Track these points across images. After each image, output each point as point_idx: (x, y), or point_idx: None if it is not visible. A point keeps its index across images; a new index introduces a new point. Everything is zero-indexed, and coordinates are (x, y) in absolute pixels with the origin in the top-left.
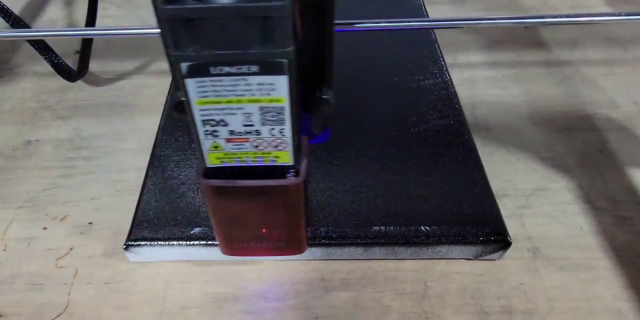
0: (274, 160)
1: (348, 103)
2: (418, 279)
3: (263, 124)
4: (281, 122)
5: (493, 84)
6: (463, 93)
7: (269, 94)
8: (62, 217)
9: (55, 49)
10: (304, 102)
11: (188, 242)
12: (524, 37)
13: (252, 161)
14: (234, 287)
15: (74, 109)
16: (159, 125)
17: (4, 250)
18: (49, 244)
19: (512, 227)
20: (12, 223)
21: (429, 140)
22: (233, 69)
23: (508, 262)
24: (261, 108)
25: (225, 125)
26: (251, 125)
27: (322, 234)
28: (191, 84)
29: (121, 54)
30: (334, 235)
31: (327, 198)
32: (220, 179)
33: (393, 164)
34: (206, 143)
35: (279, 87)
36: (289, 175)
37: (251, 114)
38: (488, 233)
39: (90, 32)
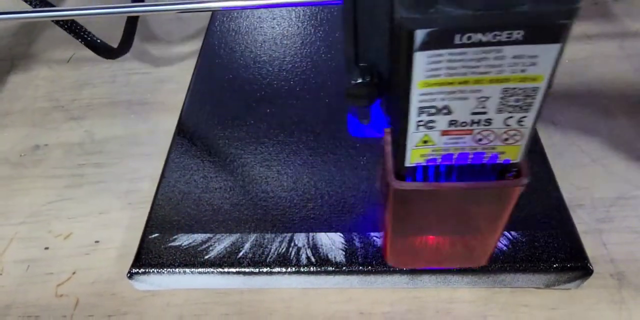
0: (496, 157)
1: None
2: (477, 313)
3: (499, 111)
4: (527, 107)
5: (559, 69)
6: None
7: (523, 71)
8: (66, 235)
9: None
10: None
11: (202, 269)
12: (591, 13)
13: (468, 158)
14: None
15: (88, 109)
16: (176, 127)
17: (0, 274)
18: (50, 268)
19: (590, 246)
20: (12, 242)
21: None
22: (488, 37)
23: (587, 292)
24: (505, 89)
25: (448, 113)
26: (482, 113)
27: (360, 259)
28: (421, 59)
29: (140, 44)
30: (373, 261)
31: (363, 214)
32: (412, 180)
33: None
34: (415, 136)
35: (543, 61)
36: (508, 175)
37: (488, 98)
38: (563, 259)
39: (133, 9)
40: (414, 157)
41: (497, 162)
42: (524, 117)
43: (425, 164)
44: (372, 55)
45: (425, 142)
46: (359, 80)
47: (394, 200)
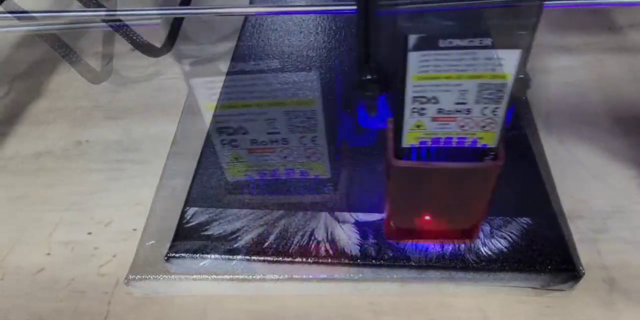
0: (476, 141)
1: None
2: (477, 307)
3: (477, 102)
4: (498, 100)
5: (569, 90)
6: (533, 99)
7: (493, 70)
8: (107, 222)
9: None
10: None
11: (231, 257)
12: (604, 38)
13: (453, 142)
14: (275, 305)
15: (125, 109)
16: (208, 129)
17: (48, 254)
18: (93, 250)
19: (585, 253)
20: (58, 226)
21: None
22: (465, 42)
23: (579, 294)
24: (481, 85)
25: (436, 102)
26: (463, 103)
27: (373, 253)
28: (414, 58)
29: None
30: (385, 256)
31: (379, 212)
32: (410, 160)
33: None
34: (410, 121)
35: (508, 63)
36: (487, 158)
37: (467, 91)
38: (557, 262)
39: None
40: (409, 139)
41: (477, 146)
42: (497, 108)
43: (418, 146)
44: (379, 57)
45: (418, 126)
46: (368, 77)
47: (392, 178)
